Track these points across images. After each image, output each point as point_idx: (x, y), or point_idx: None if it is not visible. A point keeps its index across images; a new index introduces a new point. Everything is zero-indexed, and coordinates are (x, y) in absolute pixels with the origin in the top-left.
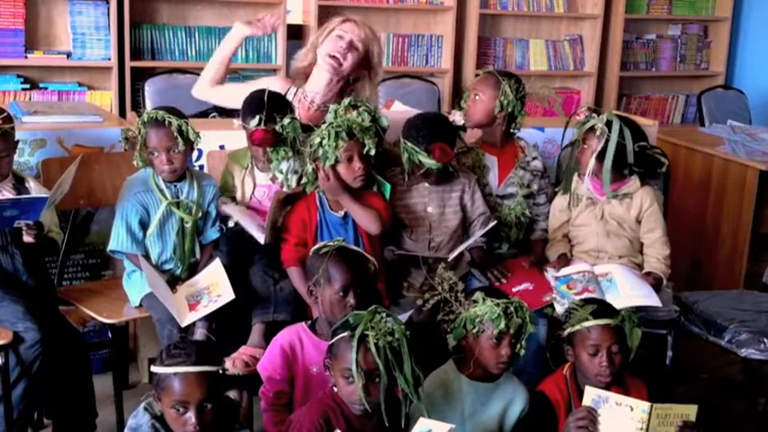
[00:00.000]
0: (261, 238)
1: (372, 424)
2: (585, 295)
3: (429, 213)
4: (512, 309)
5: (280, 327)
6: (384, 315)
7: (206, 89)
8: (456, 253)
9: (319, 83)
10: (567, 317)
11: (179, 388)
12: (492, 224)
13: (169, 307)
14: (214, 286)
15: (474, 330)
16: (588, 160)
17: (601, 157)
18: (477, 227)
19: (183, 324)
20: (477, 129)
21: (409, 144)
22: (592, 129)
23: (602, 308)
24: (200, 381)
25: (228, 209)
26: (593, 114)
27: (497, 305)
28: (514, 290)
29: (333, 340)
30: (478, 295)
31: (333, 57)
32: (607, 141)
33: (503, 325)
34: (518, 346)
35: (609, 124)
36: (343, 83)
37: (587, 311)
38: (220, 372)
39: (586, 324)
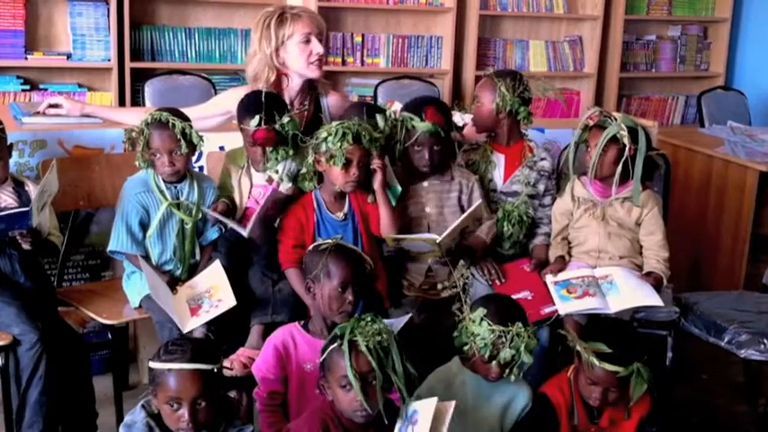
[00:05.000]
0: (243, 231)
1: None
2: (586, 299)
3: (427, 213)
4: (507, 338)
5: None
6: (368, 319)
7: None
8: (445, 234)
9: (294, 88)
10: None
11: (173, 384)
12: (477, 204)
13: (170, 312)
14: (215, 289)
15: (466, 348)
16: (610, 167)
17: (624, 165)
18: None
19: (185, 330)
20: (485, 133)
21: (404, 114)
22: (614, 137)
23: (616, 354)
24: (193, 378)
25: (211, 213)
26: (608, 119)
27: (492, 331)
28: (513, 297)
29: (323, 356)
30: (479, 313)
31: (315, 63)
32: (632, 150)
33: (487, 354)
34: (507, 371)
35: (631, 132)
36: None
37: (600, 348)
38: (216, 370)
39: (594, 361)
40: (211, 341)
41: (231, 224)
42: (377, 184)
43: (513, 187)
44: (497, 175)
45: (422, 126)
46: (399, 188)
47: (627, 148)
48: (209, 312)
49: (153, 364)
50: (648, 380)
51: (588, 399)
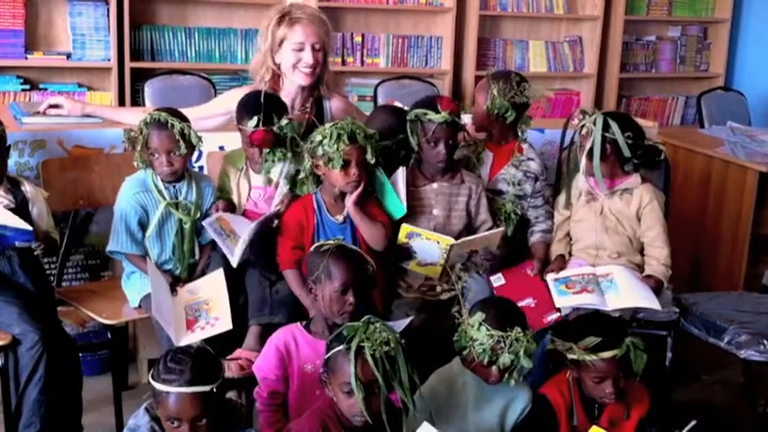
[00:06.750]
0: (232, 259)
1: None
2: (584, 295)
3: (434, 216)
4: (506, 343)
5: (276, 329)
6: (378, 325)
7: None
8: (460, 241)
9: (292, 90)
10: (565, 336)
11: (172, 405)
12: (500, 230)
13: (165, 325)
14: (213, 303)
15: (465, 352)
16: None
17: (591, 154)
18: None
19: (178, 344)
20: (483, 132)
21: (416, 111)
22: (582, 129)
23: (605, 340)
24: (193, 400)
25: (206, 225)
26: (585, 115)
27: (491, 336)
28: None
29: (328, 355)
30: (477, 318)
31: (304, 70)
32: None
33: (486, 360)
34: (506, 375)
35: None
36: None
37: (590, 344)
38: (215, 390)
39: (589, 359)
40: (211, 354)
41: (222, 247)
42: (350, 201)
43: (498, 186)
44: (484, 171)
45: (439, 117)
46: (404, 208)
47: (583, 135)
48: (204, 330)
49: (153, 383)
50: (644, 347)
51: (604, 398)
